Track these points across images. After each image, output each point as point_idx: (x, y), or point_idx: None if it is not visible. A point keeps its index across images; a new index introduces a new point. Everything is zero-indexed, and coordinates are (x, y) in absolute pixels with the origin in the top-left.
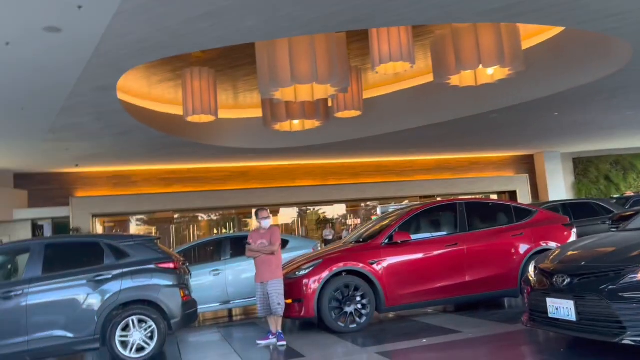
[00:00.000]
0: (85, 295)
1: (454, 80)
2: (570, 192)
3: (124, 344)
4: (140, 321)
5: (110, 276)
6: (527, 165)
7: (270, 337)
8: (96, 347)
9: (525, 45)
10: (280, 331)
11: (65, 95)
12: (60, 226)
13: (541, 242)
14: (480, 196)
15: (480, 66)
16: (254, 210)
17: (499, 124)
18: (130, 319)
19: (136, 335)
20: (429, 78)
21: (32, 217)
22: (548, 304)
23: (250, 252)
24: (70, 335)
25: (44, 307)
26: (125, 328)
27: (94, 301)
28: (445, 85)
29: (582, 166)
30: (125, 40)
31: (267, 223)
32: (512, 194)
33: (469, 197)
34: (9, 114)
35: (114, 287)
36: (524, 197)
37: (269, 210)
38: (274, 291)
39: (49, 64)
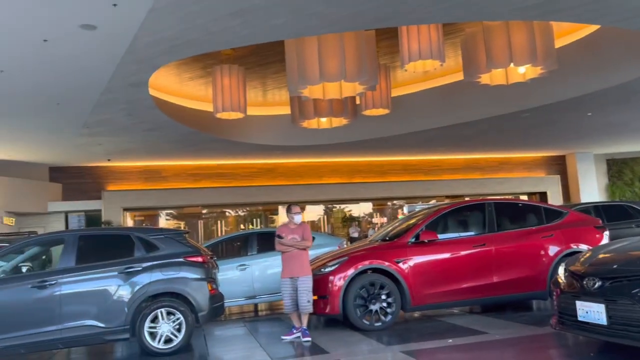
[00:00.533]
0: (116, 287)
1: (485, 78)
2: (603, 194)
3: (153, 335)
4: (168, 313)
5: (140, 268)
6: (559, 166)
7: (295, 332)
8: (126, 338)
9: (559, 43)
10: (305, 327)
11: (99, 91)
12: (92, 219)
13: (571, 245)
14: (510, 197)
15: (512, 65)
16: (284, 206)
17: (530, 124)
18: (159, 310)
19: (164, 327)
20: (459, 76)
21: (66, 210)
22: (578, 307)
23: (281, 245)
24: (101, 325)
25: (76, 297)
26: (154, 320)
27: (125, 292)
28: (476, 83)
29: (616, 168)
30: (158, 38)
31: (299, 218)
32: (543, 195)
33: (498, 197)
34: (46, 109)
35: (143, 279)
36: (555, 199)
37: (300, 207)
38: (304, 288)
39: (84, 60)
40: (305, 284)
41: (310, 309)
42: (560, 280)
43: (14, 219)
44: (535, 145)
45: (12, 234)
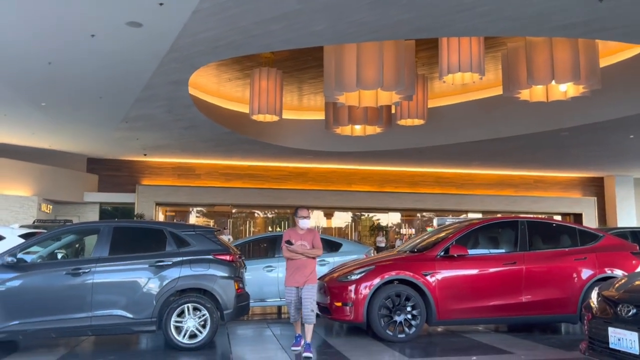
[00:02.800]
0: (146, 279)
1: (524, 94)
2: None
3: (178, 329)
4: (195, 309)
5: (170, 263)
6: (596, 187)
7: (302, 341)
8: (152, 330)
9: (603, 62)
10: (309, 342)
11: (140, 87)
12: (125, 211)
13: (606, 269)
14: (544, 216)
15: (553, 82)
16: (311, 211)
17: (568, 143)
18: (185, 305)
19: (190, 322)
20: (498, 91)
21: (101, 201)
22: (610, 333)
23: (289, 252)
24: (129, 315)
25: (107, 287)
26: (181, 314)
27: (154, 285)
28: (515, 99)
29: None
30: (200, 38)
31: (306, 223)
32: (578, 217)
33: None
34: (89, 102)
35: (173, 273)
36: (590, 221)
37: (310, 210)
38: (308, 297)
39: (128, 56)
40: (310, 293)
41: (313, 319)
42: (593, 305)
43: (50, 207)
44: (572, 165)
45: (48, 221)
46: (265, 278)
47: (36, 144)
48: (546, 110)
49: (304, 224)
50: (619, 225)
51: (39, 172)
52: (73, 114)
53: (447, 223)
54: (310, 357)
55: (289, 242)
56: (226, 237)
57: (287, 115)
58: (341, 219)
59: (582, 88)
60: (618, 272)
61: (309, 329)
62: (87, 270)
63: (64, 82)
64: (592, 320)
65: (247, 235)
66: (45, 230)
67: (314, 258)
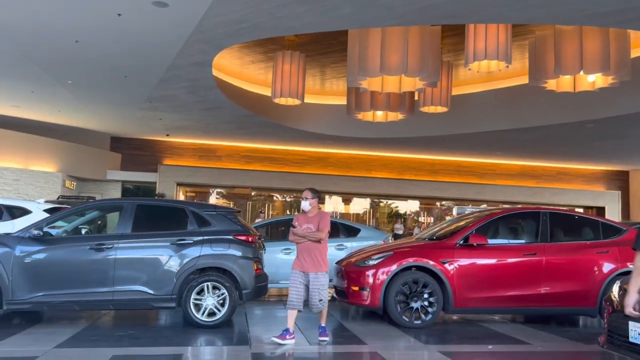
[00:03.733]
0: (168, 257)
1: (551, 84)
2: None
3: (198, 307)
4: (214, 287)
5: (191, 241)
6: (621, 181)
7: (288, 336)
8: (172, 306)
9: (635, 53)
10: (324, 325)
11: (164, 68)
12: (147, 190)
13: (628, 264)
14: (565, 209)
15: (582, 72)
16: (331, 196)
17: (594, 135)
18: (205, 284)
19: (209, 300)
20: (524, 80)
21: (123, 179)
22: (630, 327)
23: (293, 236)
24: (150, 291)
25: (129, 263)
26: (200, 292)
27: (174, 263)
28: (541, 89)
29: None
30: (224, 19)
31: (307, 205)
32: (600, 210)
33: (554, 207)
34: (113, 81)
35: (193, 252)
36: (614, 215)
37: (315, 192)
38: (317, 286)
39: (154, 36)
40: (318, 282)
41: (321, 308)
42: (614, 298)
43: (74, 183)
44: (597, 158)
45: (72, 197)
46: (283, 260)
47: (62, 121)
48: (572, 101)
49: (304, 205)
50: None
51: (63, 149)
52: (98, 92)
53: (466, 212)
54: (326, 341)
55: (292, 226)
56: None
57: (309, 99)
58: (360, 205)
59: (611, 79)
60: None
61: (323, 313)
62: (110, 246)
63: (90, 60)
64: (613, 314)
65: (266, 218)
66: (69, 206)
67: (319, 242)
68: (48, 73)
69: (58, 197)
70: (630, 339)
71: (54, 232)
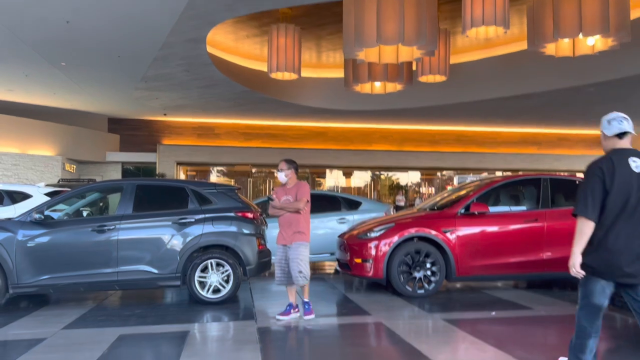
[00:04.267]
0: (170, 236)
1: (550, 49)
2: None
3: (202, 284)
4: (218, 264)
5: (193, 220)
6: None
7: (292, 311)
8: (177, 285)
9: (635, 14)
10: (307, 300)
11: (158, 46)
12: (147, 171)
13: None
14: (566, 174)
15: (581, 35)
16: (332, 170)
17: (595, 99)
18: (209, 261)
19: (213, 278)
20: (523, 45)
21: (123, 160)
22: None
23: (272, 209)
24: (154, 271)
25: (132, 243)
26: (204, 270)
27: (177, 242)
28: (540, 54)
29: None
30: None
31: (283, 176)
32: None
33: (555, 173)
34: (107, 61)
35: (196, 230)
36: None
37: (290, 162)
38: (296, 257)
39: (145, 14)
40: (296, 252)
41: (302, 281)
42: None
43: (74, 166)
44: (598, 122)
45: (72, 180)
46: None
47: (58, 104)
48: (572, 65)
49: (280, 177)
50: None
51: (62, 132)
52: (93, 73)
53: (467, 181)
54: (312, 318)
55: (270, 199)
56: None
57: (305, 73)
58: (361, 179)
59: (611, 41)
60: None
61: (305, 288)
62: (111, 227)
63: (82, 41)
64: None
65: (267, 194)
66: (69, 189)
67: (297, 212)
68: (41, 55)
69: (59, 181)
70: None
71: (55, 215)
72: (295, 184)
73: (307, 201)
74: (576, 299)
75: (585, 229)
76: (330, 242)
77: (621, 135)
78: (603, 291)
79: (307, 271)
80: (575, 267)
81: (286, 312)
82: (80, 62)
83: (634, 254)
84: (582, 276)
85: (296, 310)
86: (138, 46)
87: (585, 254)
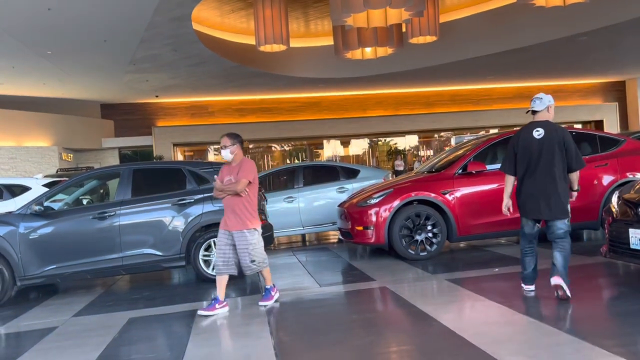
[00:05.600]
0: (171, 218)
1: (539, 0)
2: None
3: (207, 263)
4: None
5: (192, 200)
6: (617, 92)
7: (217, 306)
8: (182, 265)
9: None
10: (270, 286)
11: (143, 27)
12: (144, 154)
13: (627, 174)
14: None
15: None
16: (329, 140)
17: (588, 48)
18: (211, 240)
19: None
20: None
21: (119, 146)
22: (630, 235)
23: (214, 190)
24: (158, 253)
25: (134, 227)
26: (208, 248)
27: (179, 223)
28: (530, 6)
29: None
30: None
31: (227, 154)
32: (599, 124)
33: None
34: (94, 47)
35: (196, 210)
36: (612, 127)
37: (234, 137)
38: (244, 247)
39: None
40: (244, 241)
41: (257, 269)
42: (614, 209)
43: (71, 155)
44: (592, 71)
45: (70, 170)
46: (287, 209)
47: (48, 93)
48: (563, 15)
49: (225, 155)
50: None
51: (55, 122)
52: (80, 60)
53: (464, 141)
54: (266, 306)
55: (213, 179)
56: None
57: (294, 43)
58: (358, 146)
59: None
60: None
61: (265, 274)
62: (112, 214)
63: (66, 28)
64: (613, 224)
65: (266, 169)
66: (67, 179)
67: (238, 195)
68: (26, 45)
69: (57, 171)
70: (632, 246)
71: (55, 205)
72: (239, 162)
73: (250, 182)
74: (579, 250)
75: (507, 180)
76: (331, 212)
77: (533, 112)
78: (527, 224)
79: (261, 257)
80: (504, 209)
81: (210, 307)
82: (66, 49)
83: (535, 197)
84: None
85: (222, 304)
86: (123, 29)
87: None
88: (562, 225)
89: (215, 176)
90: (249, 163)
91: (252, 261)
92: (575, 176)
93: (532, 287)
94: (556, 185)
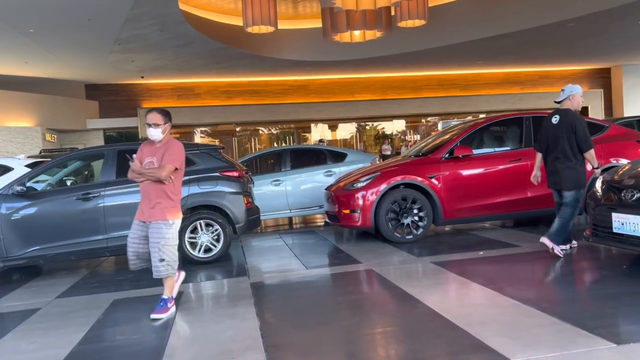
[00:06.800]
0: None
1: None
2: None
3: (193, 245)
4: (207, 225)
5: None
6: (603, 79)
7: (169, 305)
8: None
9: None
10: (167, 297)
11: (129, 6)
12: (130, 136)
13: (611, 159)
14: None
15: None
16: (316, 124)
17: (575, 34)
18: (198, 222)
19: (204, 238)
20: None
21: (104, 127)
22: (613, 219)
23: (130, 172)
24: None
25: (119, 209)
26: (194, 231)
27: None
28: None
29: None
30: None
31: (157, 134)
32: (584, 110)
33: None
34: (77, 26)
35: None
36: (597, 113)
37: (165, 114)
38: (156, 241)
39: None
40: (158, 234)
41: (164, 273)
42: (597, 193)
43: (55, 136)
44: (579, 58)
45: (54, 151)
46: (274, 192)
47: (31, 73)
48: (551, 1)
49: (154, 134)
50: (626, 115)
51: (39, 102)
52: (64, 39)
53: (451, 126)
54: (159, 319)
55: (130, 159)
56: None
57: (282, 25)
58: (346, 130)
59: None
60: (624, 162)
61: (168, 282)
62: (96, 195)
63: (48, 5)
64: (597, 208)
65: (253, 153)
66: (51, 159)
67: (161, 182)
68: (7, 23)
69: (40, 152)
70: (614, 230)
71: (39, 186)
72: (165, 144)
73: (176, 169)
74: None
75: (537, 156)
76: (318, 196)
77: (558, 102)
78: (554, 193)
79: (172, 257)
80: (532, 179)
81: (161, 310)
82: (49, 28)
83: (551, 171)
84: None
85: (173, 303)
86: (108, 7)
87: None
88: (567, 195)
89: (134, 155)
90: (178, 146)
91: (161, 260)
92: (589, 156)
93: (564, 247)
94: (563, 163)
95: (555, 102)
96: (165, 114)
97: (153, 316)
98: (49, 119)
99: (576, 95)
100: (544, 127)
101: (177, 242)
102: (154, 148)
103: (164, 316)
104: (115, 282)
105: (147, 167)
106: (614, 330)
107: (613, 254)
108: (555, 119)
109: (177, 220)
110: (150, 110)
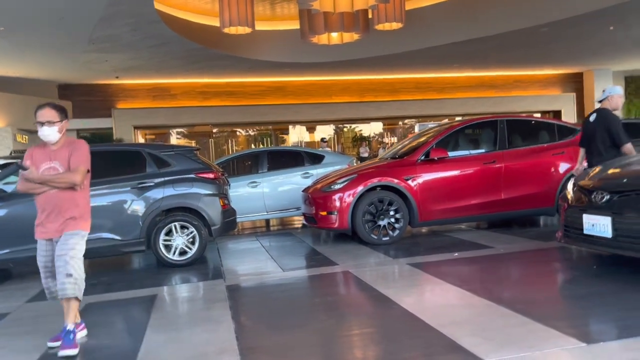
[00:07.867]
0: (130, 201)
1: None
2: (620, 112)
3: (168, 248)
4: (182, 227)
5: (152, 184)
6: (575, 83)
7: (78, 332)
8: (142, 249)
9: None
10: (70, 327)
11: (103, 5)
12: (104, 137)
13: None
14: (524, 115)
15: None
16: (294, 126)
17: (548, 39)
18: (172, 224)
19: (179, 240)
20: None
21: (77, 128)
22: (584, 220)
23: (25, 183)
24: (117, 237)
25: (96, 210)
26: (169, 233)
27: (138, 207)
28: None
29: (634, 85)
30: None
31: (53, 133)
32: (557, 114)
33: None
34: (50, 24)
35: (156, 194)
36: (569, 117)
37: (61, 110)
38: (64, 252)
39: None
40: (66, 245)
41: (70, 292)
42: (569, 195)
43: (27, 137)
44: (552, 62)
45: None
46: (250, 194)
47: (1, 72)
48: (526, 6)
49: (49, 135)
50: None
51: (9, 102)
52: (35, 38)
53: (427, 128)
54: (71, 356)
55: (22, 167)
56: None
57: (260, 26)
58: (323, 132)
59: None
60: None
61: (72, 306)
62: None
63: (19, 3)
64: (568, 210)
65: (230, 153)
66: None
67: (72, 189)
68: None
69: (11, 152)
70: (585, 231)
71: (8, 188)
72: (65, 144)
73: (88, 171)
74: (535, 235)
75: (580, 151)
76: (295, 198)
77: (599, 101)
78: None
79: (79, 274)
80: (574, 172)
81: (56, 337)
82: (20, 26)
83: (589, 165)
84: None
85: (81, 327)
86: (82, 6)
87: None
88: None
89: (27, 162)
90: (86, 145)
91: (69, 275)
92: (625, 150)
93: None
94: (600, 157)
95: (597, 101)
96: (61, 110)
97: (61, 354)
98: (20, 119)
99: (615, 96)
100: (584, 125)
101: (82, 258)
102: (49, 151)
103: (76, 351)
104: (89, 285)
105: (52, 175)
106: (584, 329)
107: (584, 255)
108: (593, 118)
109: (88, 232)
110: (42, 105)
